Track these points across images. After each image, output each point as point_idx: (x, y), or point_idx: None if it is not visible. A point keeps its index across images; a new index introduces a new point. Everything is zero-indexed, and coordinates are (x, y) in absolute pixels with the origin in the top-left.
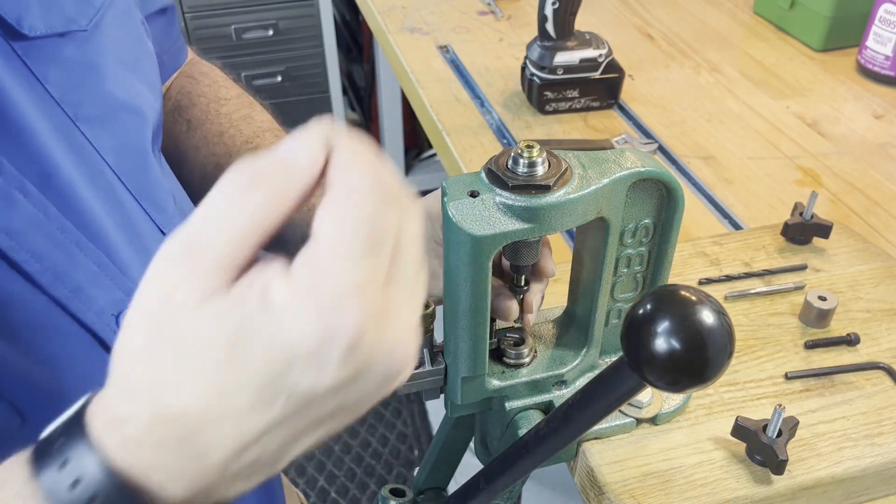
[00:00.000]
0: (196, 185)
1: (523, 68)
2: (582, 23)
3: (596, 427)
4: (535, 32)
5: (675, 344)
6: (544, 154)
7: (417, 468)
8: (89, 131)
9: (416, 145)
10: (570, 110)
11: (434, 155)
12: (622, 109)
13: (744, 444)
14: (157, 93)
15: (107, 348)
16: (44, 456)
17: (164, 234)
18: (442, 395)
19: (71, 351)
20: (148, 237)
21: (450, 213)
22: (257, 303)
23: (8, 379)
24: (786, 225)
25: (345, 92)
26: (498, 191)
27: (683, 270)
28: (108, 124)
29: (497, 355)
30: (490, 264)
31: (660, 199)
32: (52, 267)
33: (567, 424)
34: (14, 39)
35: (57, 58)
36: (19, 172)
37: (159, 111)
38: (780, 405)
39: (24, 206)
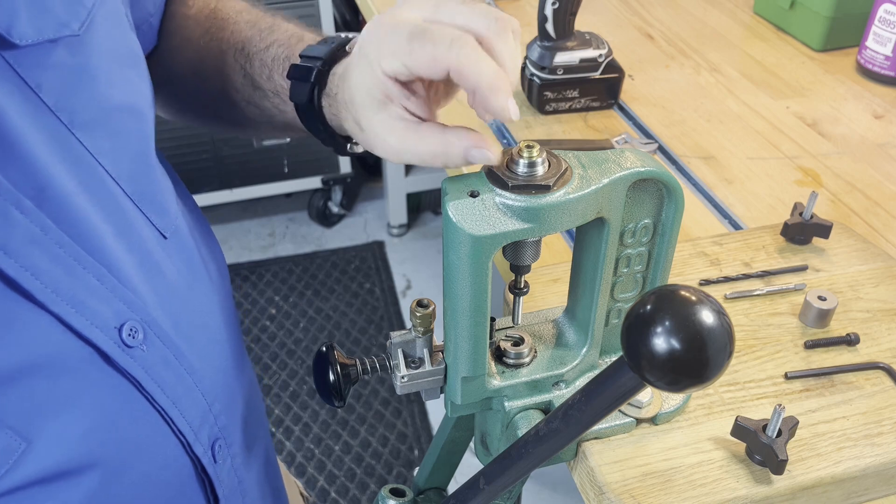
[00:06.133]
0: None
1: (523, 68)
2: (582, 23)
3: (596, 427)
4: (535, 32)
5: (675, 344)
6: (544, 154)
7: (417, 468)
8: (85, 137)
9: None
10: (570, 110)
11: None
12: (622, 109)
13: (744, 444)
14: (149, 83)
15: (109, 361)
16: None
17: (165, 237)
18: (442, 395)
19: (74, 366)
20: (149, 241)
21: (450, 213)
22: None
23: (11, 403)
24: (786, 225)
25: None
26: (498, 191)
27: (683, 270)
28: (105, 128)
29: (497, 355)
30: (490, 264)
31: (660, 199)
32: (52, 283)
33: (567, 424)
34: (4, 49)
35: (49, 64)
36: (14, 187)
37: (148, 112)
38: (779, 405)
39: (21, 223)
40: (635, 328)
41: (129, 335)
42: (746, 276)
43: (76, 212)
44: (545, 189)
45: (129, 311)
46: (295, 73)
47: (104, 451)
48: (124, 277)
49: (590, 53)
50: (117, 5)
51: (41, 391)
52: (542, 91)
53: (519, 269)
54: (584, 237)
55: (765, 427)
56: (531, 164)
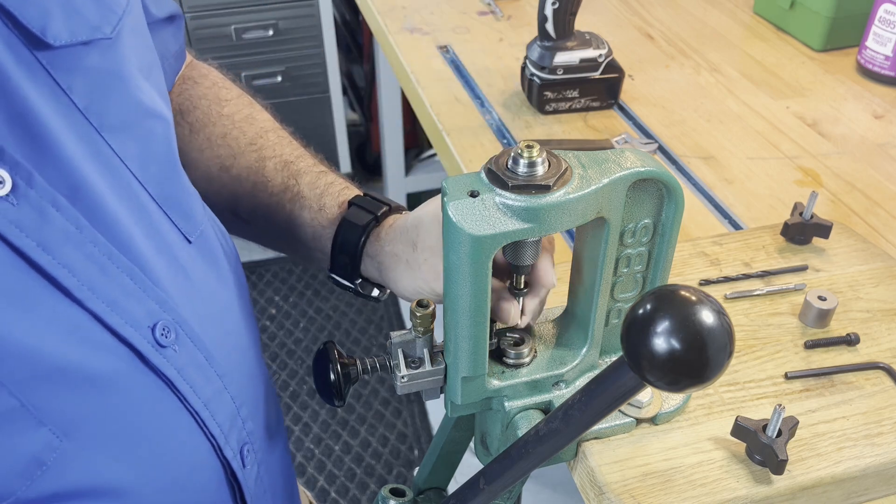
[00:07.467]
0: (200, 187)
1: (523, 68)
2: (582, 23)
3: (596, 427)
4: (535, 32)
5: (675, 344)
6: (544, 154)
7: (417, 468)
8: (113, 140)
9: (416, 145)
10: (570, 110)
11: (434, 155)
12: (622, 109)
13: (744, 444)
14: (167, 101)
15: (144, 360)
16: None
17: (189, 242)
18: (442, 395)
19: (109, 365)
20: (174, 246)
21: (450, 213)
22: None
23: (52, 401)
24: (786, 225)
25: (345, 92)
26: (498, 191)
27: (683, 270)
28: (133, 132)
29: (497, 355)
30: (490, 264)
31: (660, 199)
32: (87, 281)
33: (567, 424)
34: (38, 49)
35: (81, 66)
36: (50, 185)
37: (171, 119)
38: (779, 405)
39: (58, 220)
40: (635, 328)
41: (162, 335)
42: (746, 276)
43: (108, 212)
44: (545, 189)
45: (161, 310)
46: (358, 202)
47: (138, 454)
48: (155, 278)
49: (590, 53)
50: (141, 18)
51: (79, 391)
52: (542, 91)
53: (519, 269)
54: (584, 237)
55: (765, 427)
56: (531, 164)
